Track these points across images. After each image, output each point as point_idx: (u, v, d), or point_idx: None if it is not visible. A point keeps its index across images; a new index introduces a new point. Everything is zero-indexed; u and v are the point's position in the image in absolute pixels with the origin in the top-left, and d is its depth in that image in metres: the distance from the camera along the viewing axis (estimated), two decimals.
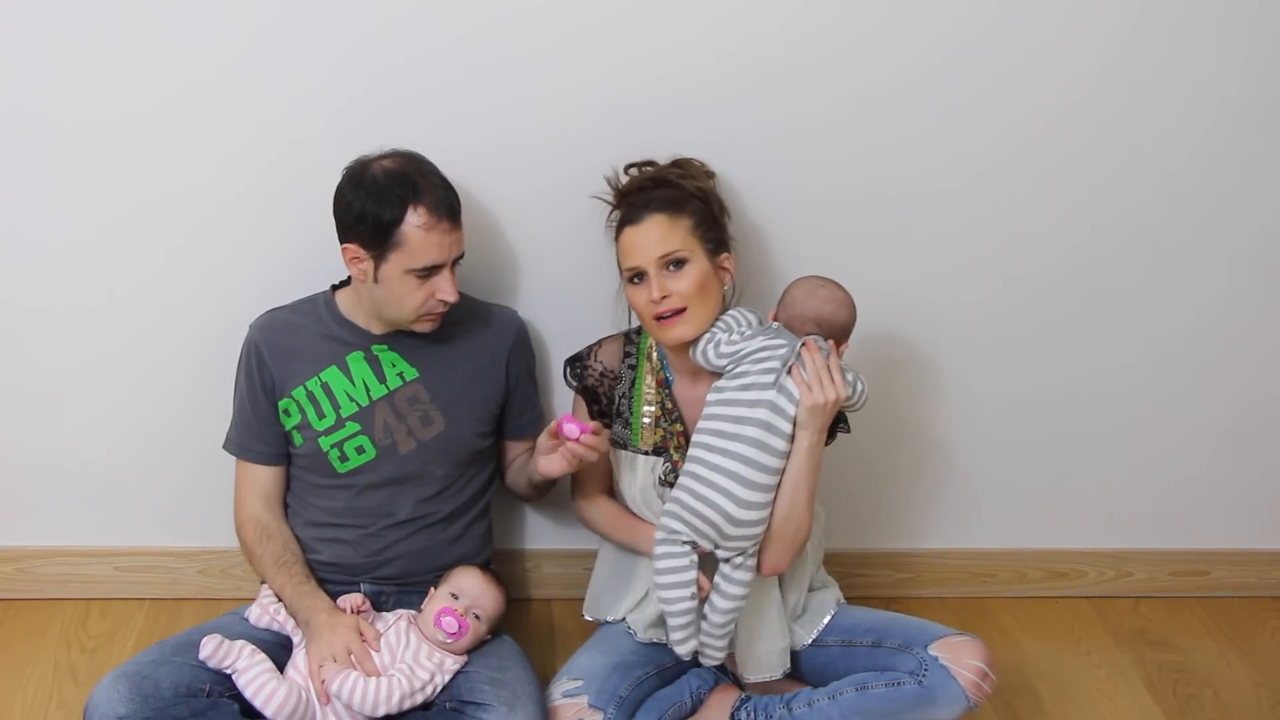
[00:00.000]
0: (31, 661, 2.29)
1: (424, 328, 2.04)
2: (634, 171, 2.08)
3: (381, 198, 1.92)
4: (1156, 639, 2.57)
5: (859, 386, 1.98)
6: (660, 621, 2.06)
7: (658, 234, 1.95)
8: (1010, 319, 2.41)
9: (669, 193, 2.00)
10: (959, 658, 1.95)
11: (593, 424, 1.96)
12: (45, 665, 2.29)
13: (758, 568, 1.97)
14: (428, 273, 1.96)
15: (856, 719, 1.95)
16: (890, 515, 2.59)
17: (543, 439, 2.00)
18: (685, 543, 1.94)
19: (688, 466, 1.95)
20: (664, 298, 1.95)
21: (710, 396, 1.97)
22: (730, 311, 2.02)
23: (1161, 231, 2.36)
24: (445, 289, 1.98)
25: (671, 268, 1.96)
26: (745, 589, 1.95)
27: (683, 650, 1.98)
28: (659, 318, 1.97)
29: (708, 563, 1.97)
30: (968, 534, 2.62)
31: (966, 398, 2.47)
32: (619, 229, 2.01)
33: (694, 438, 1.96)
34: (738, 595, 1.95)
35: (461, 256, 2.01)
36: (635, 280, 1.99)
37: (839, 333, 1.99)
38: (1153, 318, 2.44)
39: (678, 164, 2.07)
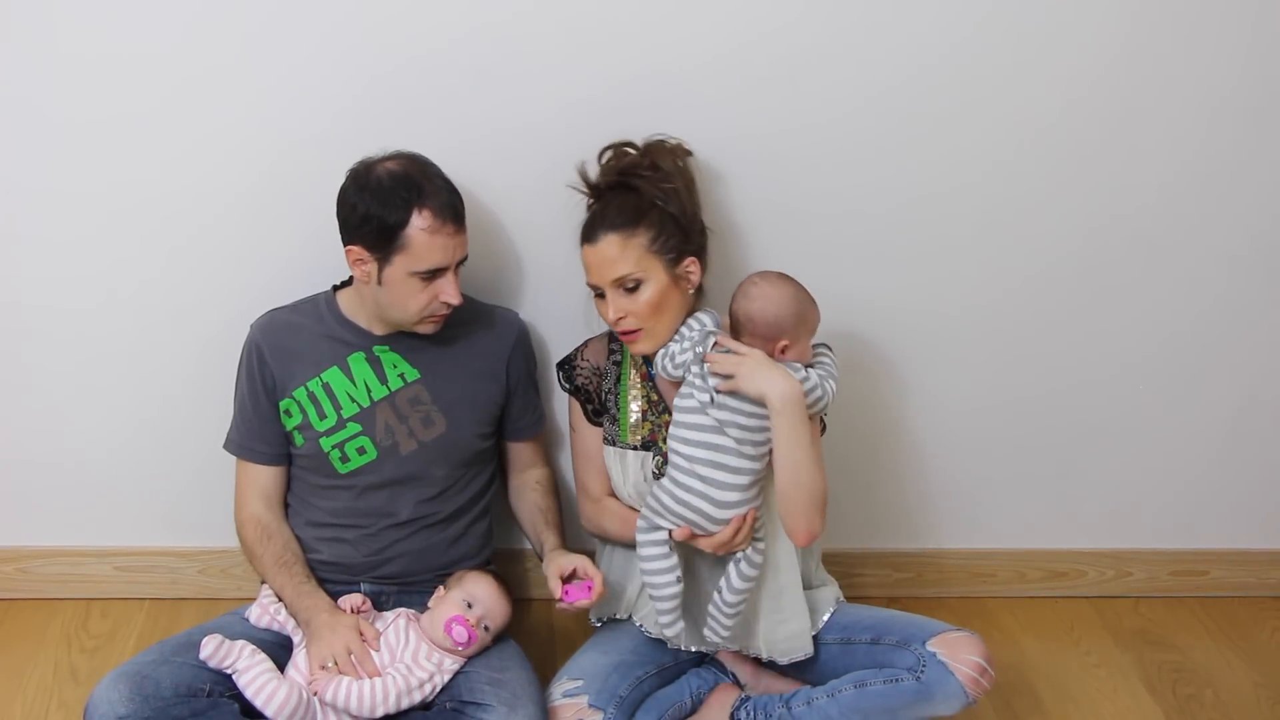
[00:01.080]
0: (32, 661, 2.29)
1: (427, 329, 2.04)
2: (609, 155, 2.06)
3: (386, 200, 1.92)
4: (1156, 639, 2.57)
5: (818, 392, 1.93)
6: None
7: (611, 255, 1.95)
8: (1010, 319, 2.41)
9: (629, 202, 1.98)
10: (957, 653, 1.94)
11: (592, 584, 1.97)
12: (46, 665, 2.29)
13: (793, 540, 1.97)
14: (431, 275, 1.96)
15: (856, 717, 1.95)
16: (890, 515, 2.59)
17: (552, 581, 2.01)
18: (666, 529, 1.95)
19: (667, 469, 1.98)
20: (620, 318, 1.97)
21: (676, 401, 1.99)
22: (690, 318, 2.02)
23: (1161, 232, 2.36)
24: (449, 291, 1.98)
25: (627, 289, 1.96)
26: (757, 569, 1.96)
27: (672, 632, 1.99)
28: (620, 332, 2.00)
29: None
30: (968, 534, 2.61)
31: (967, 398, 2.47)
32: (580, 242, 2.02)
33: (668, 441, 1.98)
34: (750, 575, 1.96)
35: (465, 259, 2.01)
36: (597, 295, 2.02)
37: (771, 330, 1.92)
38: (1153, 318, 2.43)
39: (649, 153, 2.03)
